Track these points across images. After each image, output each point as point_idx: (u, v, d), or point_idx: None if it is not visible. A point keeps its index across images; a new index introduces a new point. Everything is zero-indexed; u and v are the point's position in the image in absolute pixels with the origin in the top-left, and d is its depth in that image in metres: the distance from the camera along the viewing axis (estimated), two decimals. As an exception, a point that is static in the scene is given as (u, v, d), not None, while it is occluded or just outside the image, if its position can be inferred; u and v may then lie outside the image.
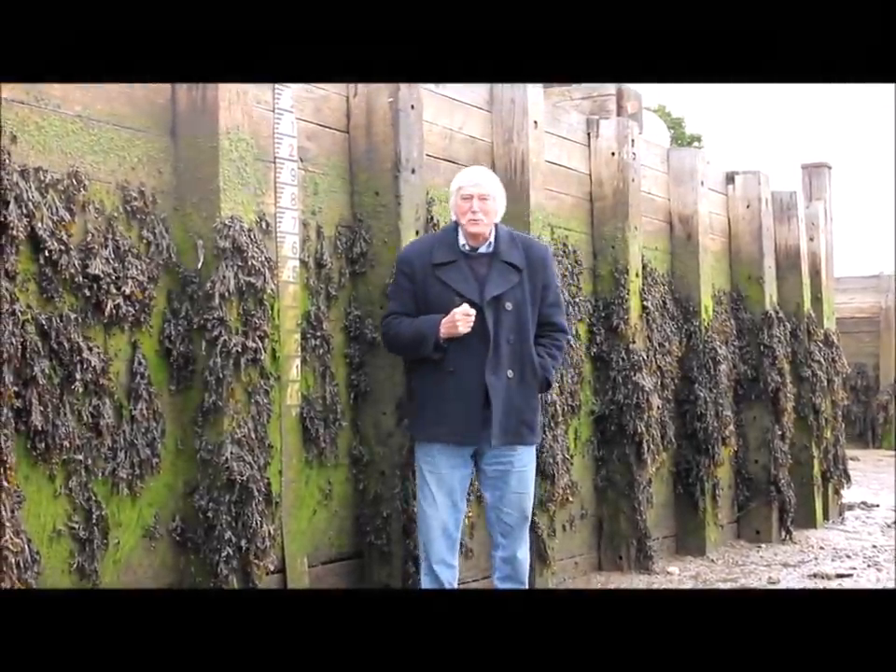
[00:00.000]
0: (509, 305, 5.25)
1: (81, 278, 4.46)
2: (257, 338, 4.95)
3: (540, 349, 5.36)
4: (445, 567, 5.25)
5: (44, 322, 4.32)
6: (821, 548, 9.26)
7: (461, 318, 5.11)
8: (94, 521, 4.52)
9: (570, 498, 7.16)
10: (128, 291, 4.63)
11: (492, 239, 5.36)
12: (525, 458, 5.33)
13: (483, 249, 5.34)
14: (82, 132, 4.58)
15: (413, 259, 5.33)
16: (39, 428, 4.26)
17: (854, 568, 8.17)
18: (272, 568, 5.06)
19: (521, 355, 5.27)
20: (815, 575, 7.94)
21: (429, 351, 5.16)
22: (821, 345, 10.61)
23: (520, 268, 5.32)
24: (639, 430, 7.72)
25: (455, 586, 5.34)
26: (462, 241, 5.34)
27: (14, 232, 4.13)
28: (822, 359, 10.53)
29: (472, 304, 5.19)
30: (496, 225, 5.39)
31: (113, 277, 4.58)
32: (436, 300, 5.22)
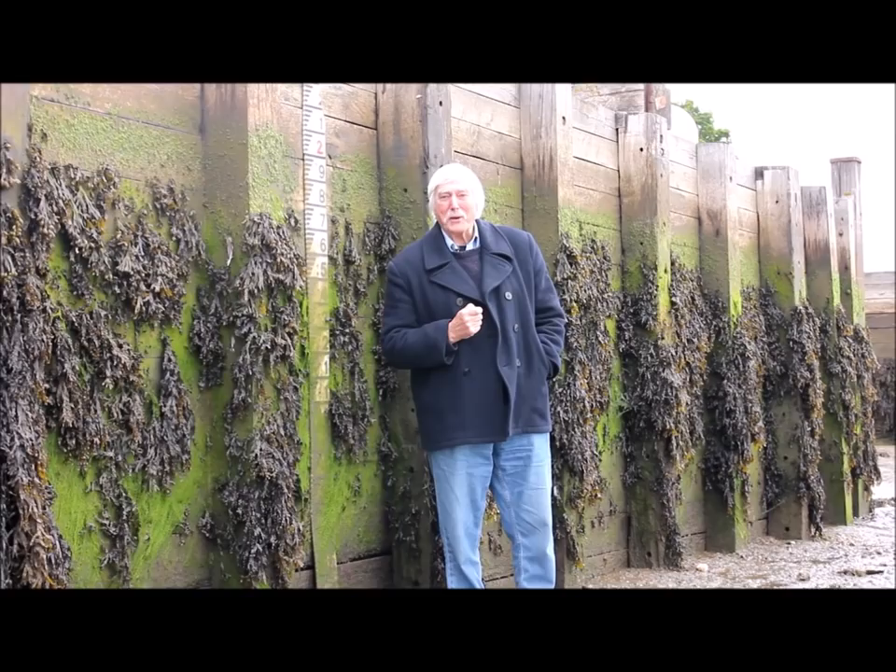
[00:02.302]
0: (508, 295, 5.24)
1: (111, 275, 4.48)
2: (286, 335, 4.96)
3: (543, 336, 5.34)
4: (472, 566, 5.24)
5: (74, 319, 4.33)
6: (851, 544, 9.21)
7: (469, 318, 5.08)
8: (124, 517, 4.54)
9: (599, 495, 7.14)
10: (157, 288, 4.64)
11: (476, 235, 5.33)
12: (542, 452, 5.31)
13: (470, 246, 5.31)
14: (112, 129, 4.59)
15: (406, 270, 5.27)
16: (70, 425, 4.28)
17: (884, 565, 8.13)
18: (301, 565, 5.07)
19: (527, 343, 5.26)
20: (845, 572, 7.90)
21: (442, 357, 5.12)
22: (851, 341, 10.57)
23: (510, 257, 5.31)
24: (668, 427, 7.70)
25: (481, 581, 5.33)
26: (449, 242, 5.30)
27: (45, 230, 4.15)
28: (852, 355, 10.50)
29: (474, 302, 5.17)
30: (477, 221, 5.36)
31: (143, 274, 4.59)
32: (437, 304, 5.20)
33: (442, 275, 5.21)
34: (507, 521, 5.32)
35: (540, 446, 5.30)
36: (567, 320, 5.90)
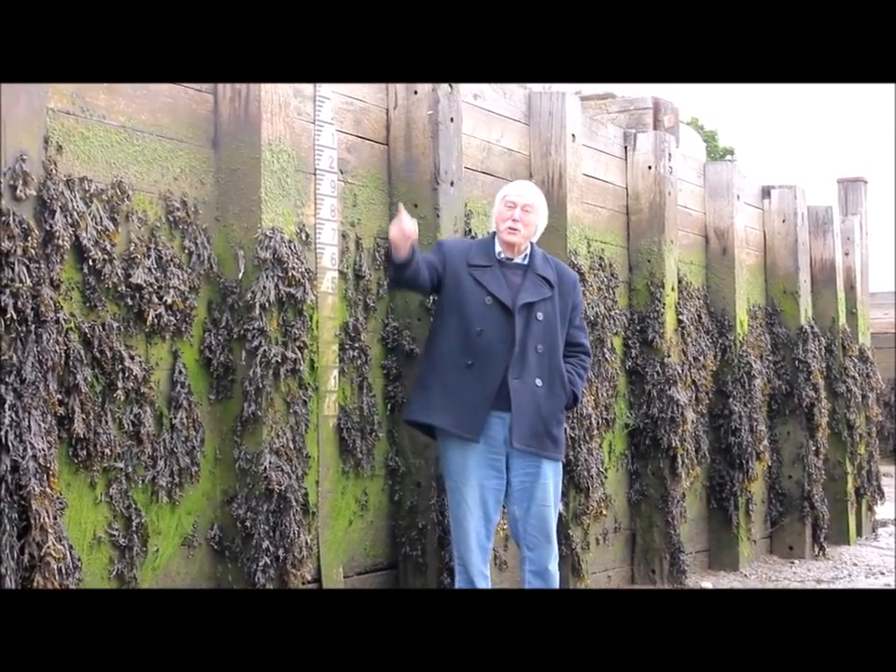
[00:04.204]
0: (540, 315, 5.29)
1: (124, 287, 4.50)
2: (296, 348, 4.98)
3: (568, 366, 5.41)
4: (483, 580, 5.27)
5: (87, 330, 4.35)
6: (855, 564, 9.22)
7: (399, 222, 5.09)
8: (134, 528, 4.55)
9: (604, 512, 7.15)
10: (169, 301, 4.66)
11: (527, 252, 5.41)
12: (550, 472, 5.34)
13: (518, 260, 5.40)
14: (126, 142, 4.62)
15: (449, 249, 5.39)
16: (81, 436, 4.29)
17: (888, 585, 8.13)
18: (308, 578, 5.07)
19: (550, 365, 5.30)
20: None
21: (394, 260, 5.16)
22: (856, 361, 10.60)
23: (553, 284, 5.37)
24: (674, 444, 7.71)
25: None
26: (498, 249, 5.39)
27: (59, 241, 4.16)
28: (857, 375, 10.52)
29: (504, 308, 5.23)
30: (531, 243, 5.44)
31: (155, 287, 4.61)
32: (467, 297, 5.27)
33: (482, 273, 5.31)
34: (516, 534, 5.39)
35: (549, 468, 5.34)
36: (592, 360, 5.92)
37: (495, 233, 5.47)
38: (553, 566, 5.38)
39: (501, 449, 5.24)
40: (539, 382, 5.25)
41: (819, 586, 8.14)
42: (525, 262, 5.41)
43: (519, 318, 5.23)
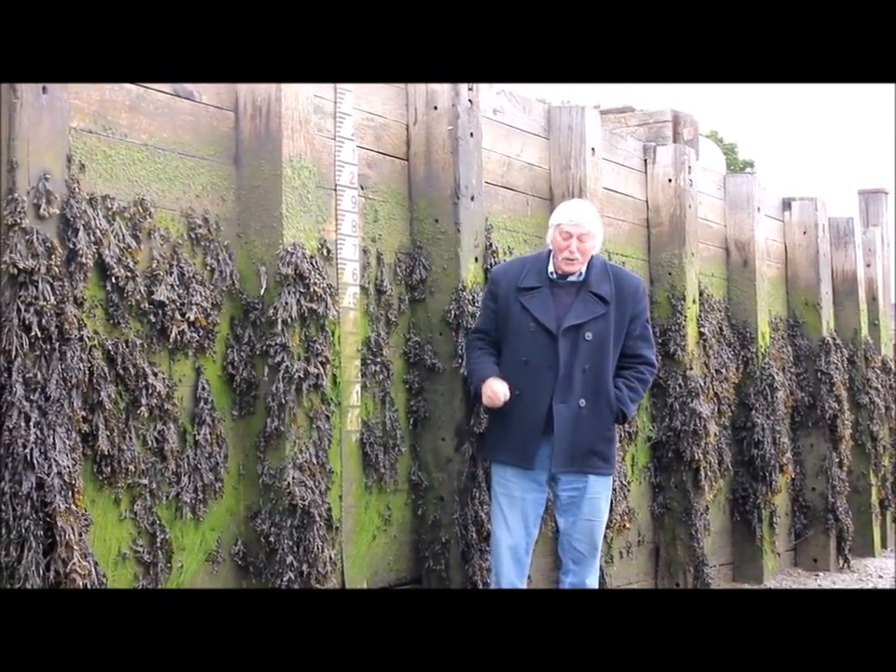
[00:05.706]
0: (589, 335, 5.25)
1: (147, 304, 4.52)
2: (318, 364, 4.99)
3: (620, 381, 5.37)
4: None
5: (110, 348, 4.37)
6: (880, 576, 9.19)
7: (492, 395, 5.29)
8: (158, 544, 4.56)
9: (628, 525, 7.15)
10: (192, 317, 4.68)
11: (583, 269, 5.38)
12: (598, 486, 5.34)
13: (572, 278, 5.37)
14: (148, 160, 4.64)
15: (501, 279, 5.46)
16: (106, 453, 4.31)
17: (914, 597, 8.09)
18: (332, 593, 5.08)
19: (596, 385, 5.27)
20: (874, 604, 7.86)
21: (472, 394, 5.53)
22: (879, 372, 10.57)
23: (607, 300, 5.33)
24: (696, 457, 7.70)
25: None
26: (551, 268, 5.38)
27: (83, 259, 4.18)
28: (880, 386, 10.49)
29: (549, 333, 5.25)
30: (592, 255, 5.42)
31: (178, 304, 4.63)
32: (515, 323, 5.34)
33: (530, 298, 5.32)
34: (561, 547, 5.43)
35: (597, 482, 5.33)
36: (656, 370, 5.78)
37: (551, 251, 5.45)
38: (592, 581, 5.39)
39: (544, 465, 5.26)
40: (582, 402, 5.23)
41: (844, 599, 8.10)
42: (580, 279, 5.37)
43: (564, 341, 5.23)
